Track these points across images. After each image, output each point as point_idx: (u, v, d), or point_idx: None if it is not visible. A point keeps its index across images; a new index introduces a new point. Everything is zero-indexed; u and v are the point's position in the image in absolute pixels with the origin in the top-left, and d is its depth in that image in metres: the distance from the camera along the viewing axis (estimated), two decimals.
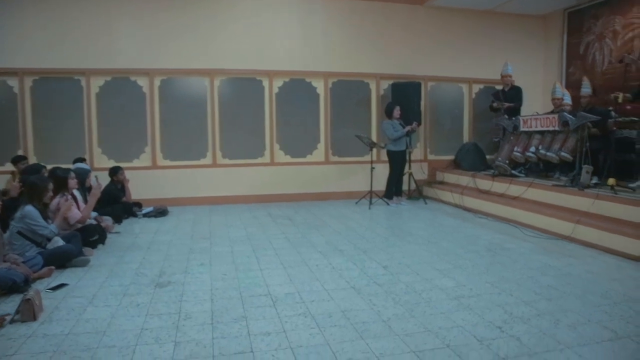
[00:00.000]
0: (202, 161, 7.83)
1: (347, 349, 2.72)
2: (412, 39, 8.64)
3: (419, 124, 8.02)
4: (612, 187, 5.57)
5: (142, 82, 7.55)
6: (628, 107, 6.80)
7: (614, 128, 6.31)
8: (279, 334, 2.92)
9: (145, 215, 6.77)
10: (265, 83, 8.04)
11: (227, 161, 7.92)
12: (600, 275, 4.14)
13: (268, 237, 5.57)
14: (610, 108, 6.78)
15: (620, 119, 6.61)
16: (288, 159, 8.23)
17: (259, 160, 8.09)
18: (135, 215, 6.74)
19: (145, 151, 7.64)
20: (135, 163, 7.56)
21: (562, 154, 6.09)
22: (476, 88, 9.17)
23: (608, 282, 3.94)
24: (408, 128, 7.56)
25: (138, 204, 7.01)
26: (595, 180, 6.07)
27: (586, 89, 6.78)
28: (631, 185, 5.82)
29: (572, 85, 8.41)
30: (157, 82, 7.59)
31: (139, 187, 7.19)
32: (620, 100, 5.82)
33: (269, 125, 8.09)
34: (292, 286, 3.81)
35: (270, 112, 8.08)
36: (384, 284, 3.87)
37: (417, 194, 8.31)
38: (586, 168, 5.82)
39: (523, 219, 6.05)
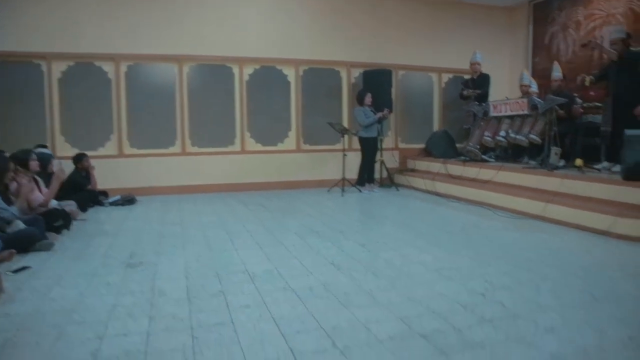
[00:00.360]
0: (171, 149, 7.62)
1: (332, 318, 2.65)
2: (382, 28, 8.66)
3: (390, 111, 8.04)
4: (579, 167, 5.71)
5: (108, 67, 7.29)
6: (592, 92, 7.01)
7: (581, 110, 6.48)
8: (259, 307, 2.82)
9: (112, 203, 6.53)
10: (236, 70, 7.90)
11: (196, 149, 7.74)
12: (573, 247, 4.22)
13: (241, 221, 5.45)
14: (576, 94, 6.96)
15: (585, 105, 6.81)
16: (259, 147, 8.10)
17: (230, 148, 7.94)
18: (101, 204, 6.49)
19: (111, 139, 7.38)
20: (101, 152, 7.29)
21: (532, 136, 6.21)
22: (445, 77, 9.27)
23: (581, 253, 4.03)
24: (379, 115, 7.56)
25: (104, 193, 6.76)
26: (562, 163, 6.21)
27: (557, 73, 6.92)
28: (597, 166, 5.98)
29: (538, 75, 8.61)
30: (123, 68, 7.34)
31: (104, 176, 6.94)
32: (587, 82, 5.95)
33: (240, 113, 7.95)
34: (269, 264, 3.72)
35: (240, 100, 7.94)
36: (363, 260, 3.83)
37: (389, 182, 8.33)
38: (555, 150, 5.94)
39: (495, 201, 6.12)
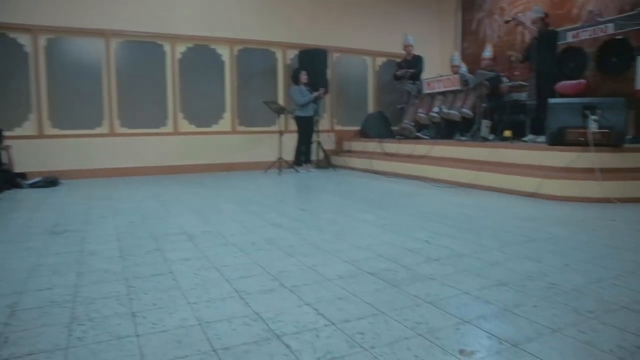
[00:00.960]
0: (98, 130, 7.17)
1: (277, 264, 2.56)
2: (318, 10, 8.63)
3: (326, 90, 8.02)
4: (508, 138, 5.96)
5: (24, 40, 6.72)
6: (517, 72, 7.37)
7: (508, 87, 6.78)
8: (200, 259, 2.68)
9: (32, 185, 6.03)
10: (167, 48, 7.56)
11: (125, 130, 7.33)
12: (505, 205, 4.39)
13: (176, 195, 5.20)
14: (502, 74, 7.29)
15: (510, 84, 7.13)
16: (193, 128, 7.81)
17: (162, 129, 7.59)
18: (19, 186, 5.98)
19: (30, 119, 6.82)
20: (18, 132, 6.71)
21: (464, 110, 6.41)
22: (379, 61, 9.40)
23: (512, 208, 4.20)
24: (316, 94, 7.52)
25: (22, 175, 6.24)
26: (492, 137, 6.46)
27: (487, 53, 7.21)
28: (524, 139, 6.28)
29: (467, 60, 8.90)
30: (42, 42, 6.80)
31: (23, 158, 6.41)
32: (513, 59, 6.24)
33: (172, 93, 7.63)
34: (209, 226, 3.56)
35: (172, 79, 7.62)
36: (305, 220, 3.76)
37: (325, 163, 8.32)
38: (485, 123, 6.17)
39: (431, 174, 6.26)
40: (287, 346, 1.60)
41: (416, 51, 8.41)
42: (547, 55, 6.09)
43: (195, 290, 2.16)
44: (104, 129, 7.19)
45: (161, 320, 1.82)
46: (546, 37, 6.12)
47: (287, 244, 2.98)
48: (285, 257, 2.68)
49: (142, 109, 7.41)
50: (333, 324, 1.78)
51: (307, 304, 1.98)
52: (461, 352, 1.55)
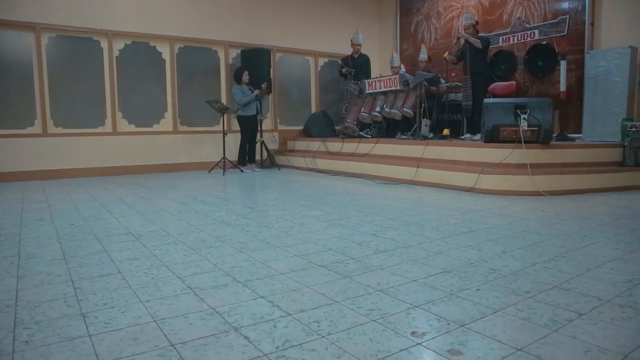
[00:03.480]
0: (29, 130, 6.79)
1: (228, 260, 2.56)
2: (260, 10, 8.62)
3: (268, 84, 7.93)
4: (447, 136, 6.22)
5: None
6: (453, 74, 7.70)
7: (445, 86, 7.08)
8: (148, 258, 2.63)
9: None
10: (104, 44, 7.29)
11: (60, 130, 6.99)
12: (445, 200, 4.59)
13: (117, 196, 5.04)
14: (440, 75, 7.61)
15: (447, 84, 7.45)
16: (132, 128, 7.58)
17: (99, 129, 7.31)
18: None
19: None
20: None
21: (405, 109, 6.63)
22: (322, 61, 9.51)
23: (453, 202, 4.40)
24: (257, 91, 7.49)
25: None
26: (432, 135, 6.73)
27: (423, 55, 7.49)
28: (462, 137, 6.58)
29: (406, 61, 9.21)
30: None
31: None
32: (447, 59, 6.54)
33: (110, 91, 7.35)
34: (154, 226, 3.50)
35: (110, 77, 7.35)
36: (253, 217, 3.77)
37: (270, 163, 8.32)
38: (425, 121, 6.41)
39: (373, 172, 6.43)
40: (246, 337, 1.62)
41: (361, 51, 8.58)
42: (480, 59, 6.46)
43: (147, 289, 2.13)
44: (36, 128, 6.83)
45: (114, 319, 1.78)
46: (479, 40, 6.48)
47: (237, 241, 2.98)
48: (236, 254, 2.69)
49: (78, 108, 7.10)
50: (289, 314, 1.82)
51: (261, 297, 2.00)
52: (413, 334, 1.63)
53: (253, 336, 1.63)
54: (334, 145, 7.62)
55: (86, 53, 7.15)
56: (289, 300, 1.96)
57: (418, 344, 1.56)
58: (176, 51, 7.89)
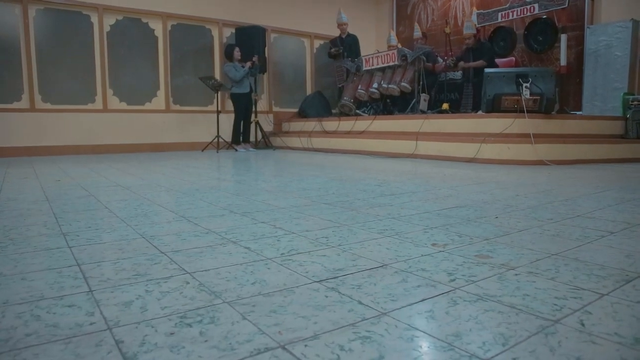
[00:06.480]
0: (16, 105, 6.55)
1: (224, 200, 2.38)
2: None
3: (259, 57, 7.68)
4: (446, 110, 6.08)
5: None
6: (450, 53, 7.56)
7: (443, 64, 6.94)
8: (138, 199, 2.44)
9: None
10: (94, 19, 7.07)
11: (49, 106, 6.76)
12: (445, 170, 4.44)
13: (108, 164, 4.82)
14: (437, 54, 7.46)
15: (445, 62, 7.30)
16: (124, 106, 7.36)
17: (89, 106, 7.08)
18: None
19: None
20: None
21: (403, 84, 6.47)
22: (317, 43, 9.34)
23: (452, 170, 4.24)
24: (249, 64, 7.28)
25: None
26: (430, 112, 6.58)
27: (417, 33, 7.34)
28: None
29: (402, 43, 9.05)
30: None
31: None
32: (447, 31, 6.43)
33: (100, 68, 7.13)
34: (145, 181, 3.30)
35: (101, 54, 7.12)
36: (249, 176, 3.59)
37: (264, 144, 8.13)
38: (424, 96, 6.26)
39: (371, 148, 6.27)
40: (246, 248, 1.45)
41: (352, 33, 8.40)
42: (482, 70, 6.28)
43: (136, 218, 1.94)
44: (23, 103, 6.60)
45: (97, 237, 1.61)
46: (480, 49, 6.40)
47: (234, 189, 2.81)
48: (233, 196, 2.51)
49: (68, 84, 6.87)
50: (293, 233, 1.65)
51: (262, 222, 1.83)
52: (433, 244, 1.47)
53: (254, 247, 1.46)
54: (331, 124, 7.44)
55: (76, 27, 6.92)
56: (292, 224, 1.79)
57: (440, 251, 1.40)
58: (169, 28, 7.69)
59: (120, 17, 7.25)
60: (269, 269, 1.22)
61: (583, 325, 0.86)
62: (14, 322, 0.89)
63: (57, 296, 1.02)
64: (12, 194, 2.73)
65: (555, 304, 0.96)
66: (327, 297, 1.01)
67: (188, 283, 1.11)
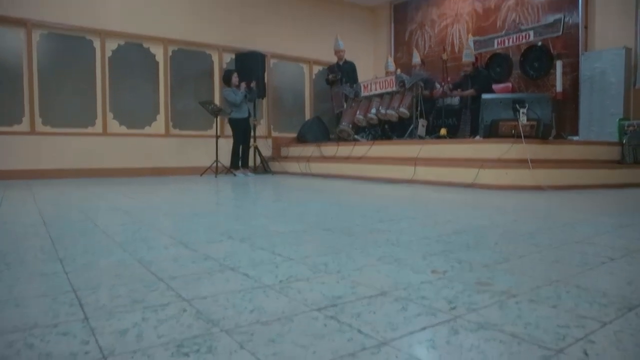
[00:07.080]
0: (17, 128, 6.58)
1: (223, 225, 2.37)
2: (255, 16, 8.56)
3: (257, 81, 7.70)
4: (444, 136, 6.12)
5: None
6: (449, 78, 7.66)
7: (441, 90, 7.02)
8: (136, 224, 2.43)
9: None
10: (97, 44, 7.16)
11: (49, 129, 6.79)
12: (444, 195, 4.44)
13: (107, 189, 4.82)
14: (435, 80, 7.55)
15: (443, 86, 7.39)
16: (124, 129, 7.39)
17: (90, 129, 7.11)
18: None
19: None
20: None
21: (401, 109, 6.53)
22: (316, 69, 9.45)
23: (450, 195, 4.24)
24: (243, 84, 7.32)
25: None
26: (428, 137, 6.62)
27: (416, 59, 7.45)
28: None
29: (400, 68, 9.16)
30: None
31: None
32: (444, 57, 6.52)
33: (101, 92, 7.19)
34: (144, 205, 3.30)
35: (102, 78, 7.19)
36: (247, 200, 3.58)
37: (263, 169, 8.13)
38: (422, 122, 6.31)
39: (369, 173, 6.27)
40: (245, 274, 1.44)
41: (350, 59, 8.50)
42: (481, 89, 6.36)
43: (134, 244, 1.93)
44: (24, 126, 6.64)
45: (94, 262, 1.59)
46: (477, 76, 6.51)
47: (232, 213, 2.80)
48: (231, 221, 2.51)
49: (68, 108, 6.93)
50: (292, 259, 1.63)
51: (260, 249, 1.82)
52: (433, 272, 1.46)
53: (252, 273, 1.45)
54: (329, 149, 7.47)
55: (78, 52, 7.01)
56: (291, 251, 1.78)
57: (440, 278, 1.39)
58: (170, 53, 7.78)
59: (122, 42, 7.36)
60: (267, 296, 1.21)
61: (587, 354, 0.85)
62: (5, 351, 0.87)
63: (52, 324, 1.01)
64: (9, 217, 2.72)
65: (557, 332, 0.95)
66: (326, 325, 1.00)
67: (185, 310, 1.09)
